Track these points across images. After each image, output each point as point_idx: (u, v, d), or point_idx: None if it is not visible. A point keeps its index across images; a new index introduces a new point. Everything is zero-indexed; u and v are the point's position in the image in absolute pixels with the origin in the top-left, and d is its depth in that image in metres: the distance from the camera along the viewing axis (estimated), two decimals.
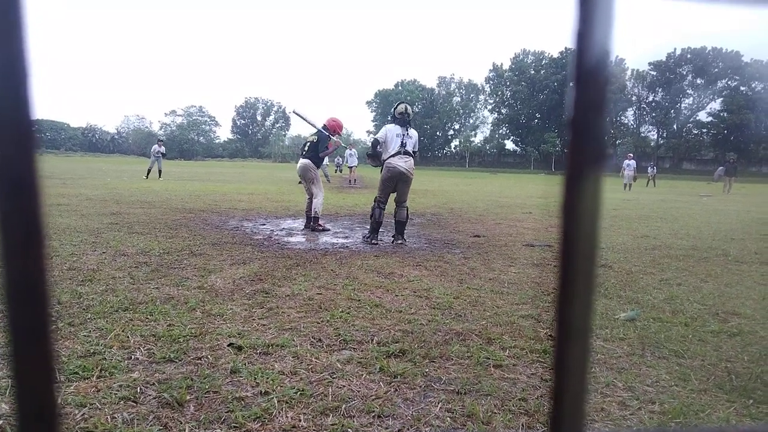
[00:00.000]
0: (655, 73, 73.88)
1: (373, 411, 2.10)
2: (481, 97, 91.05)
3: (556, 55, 79.63)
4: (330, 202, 11.61)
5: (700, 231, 8.58)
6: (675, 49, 73.46)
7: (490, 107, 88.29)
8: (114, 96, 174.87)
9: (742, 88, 67.98)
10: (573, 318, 0.32)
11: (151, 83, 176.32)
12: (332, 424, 1.99)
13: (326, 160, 8.84)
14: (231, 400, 2.14)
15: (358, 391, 2.28)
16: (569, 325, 0.32)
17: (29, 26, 0.27)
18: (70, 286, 3.75)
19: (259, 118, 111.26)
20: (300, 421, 2.00)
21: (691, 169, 67.37)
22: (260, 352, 2.68)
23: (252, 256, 5.17)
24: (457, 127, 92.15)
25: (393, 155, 6.27)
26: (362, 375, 2.46)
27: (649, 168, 31.84)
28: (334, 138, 7.58)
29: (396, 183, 6.37)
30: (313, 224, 7.29)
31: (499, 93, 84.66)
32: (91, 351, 2.58)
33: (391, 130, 6.35)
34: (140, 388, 2.21)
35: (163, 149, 20.45)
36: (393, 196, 6.50)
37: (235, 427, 1.95)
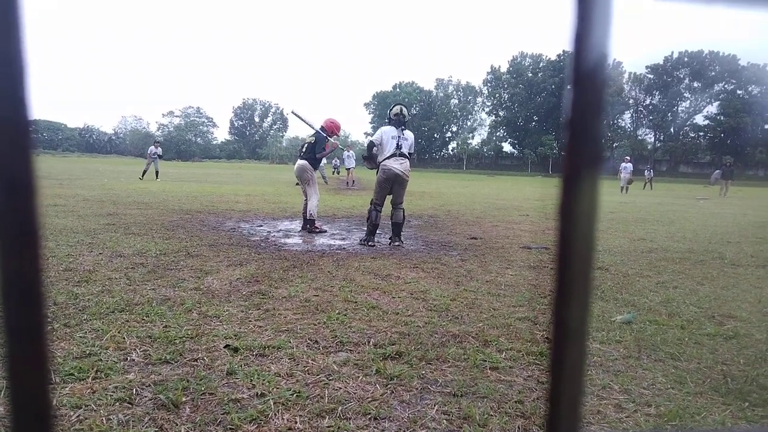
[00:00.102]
0: (652, 77, 74.09)
1: (370, 413, 2.10)
2: (479, 99, 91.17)
3: (553, 57, 79.80)
4: (327, 203, 11.60)
5: (696, 234, 8.61)
6: (672, 52, 73.76)
7: (487, 110, 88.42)
8: (111, 96, 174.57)
9: (738, 92, 68.22)
10: (570, 320, 0.32)
11: (149, 84, 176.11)
12: (328, 427, 1.98)
13: (323, 161, 8.82)
14: (227, 402, 2.13)
15: (355, 393, 2.28)
16: (566, 327, 0.32)
17: (27, 25, 0.27)
18: (66, 286, 3.74)
19: (256, 119, 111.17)
20: (296, 423, 2.00)
21: (688, 172, 67.62)
22: (256, 354, 2.68)
23: (249, 258, 5.17)
24: (454, 129, 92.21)
25: (388, 157, 6.28)
26: (359, 377, 2.45)
27: (646, 171, 31.91)
28: (332, 139, 7.58)
29: (392, 185, 6.38)
30: (309, 226, 7.29)
31: (497, 95, 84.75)
32: (87, 352, 2.57)
33: (387, 132, 6.36)
34: (136, 390, 2.20)
35: (159, 151, 20.41)
36: (389, 198, 6.51)
37: (230, 429, 1.95)
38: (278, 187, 18.69)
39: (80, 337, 2.77)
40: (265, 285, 4.08)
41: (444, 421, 2.08)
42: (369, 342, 2.92)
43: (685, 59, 72.10)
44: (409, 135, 6.45)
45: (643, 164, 51.34)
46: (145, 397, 2.16)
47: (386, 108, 6.92)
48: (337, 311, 3.45)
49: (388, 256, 5.63)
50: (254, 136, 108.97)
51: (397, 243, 6.39)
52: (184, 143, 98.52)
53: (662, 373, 2.63)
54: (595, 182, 0.32)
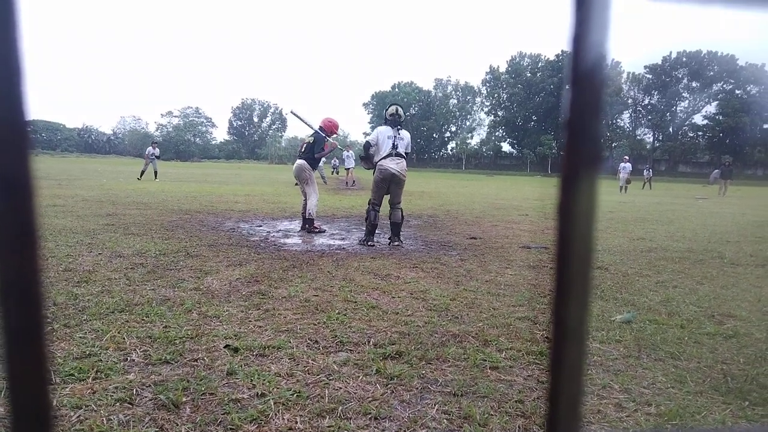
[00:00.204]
0: (650, 76, 74.16)
1: (370, 413, 2.10)
2: (478, 99, 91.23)
3: (552, 57, 79.84)
4: (327, 203, 11.60)
5: (695, 233, 8.61)
6: (671, 52, 73.85)
7: (486, 110, 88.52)
8: (110, 97, 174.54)
9: (737, 92, 68.31)
10: (569, 319, 0.32)
11: (148, 84, 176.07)
12: (329, 426, 1.98)
13: (322, 161, 8.82)
14: (227, 402, 2.13)
15: (355, 393, 2.28)
16: (565, 327, 0.32)
17: (24, 25, 0.27)
18: (65, 287, 3.74)
19: (255, 119, 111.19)
20: (296, 423, 2.00)
21: (687, 172, 67.66)
22: (256, 354, 2.67)
23: (248, 258, 5.16)
24: (453, 129, 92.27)
25: (385, 157, 6.29)
26: (359, 377, 2.45)
27: (645, 170, 31.91)
28: (330, 139, 7.57)
29: (389, 184, 6.38)
30: (308, 226, 7.29)
31: (496, 95, 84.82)
32: (87, 352, 2.57)
33: (383, 132, 6.37)
34: (136, 390, 2.20)
35: (157, 151, 20.42)
36: (388, 198, 6.51)
37: (231, 429, 1.94)
38: (277, 187, 18.69)
39: (80, 337, 2.77)
40: (264, 285, 4.08)
41: (444, 420, 2.08)
42: (369, 342, 2.92)
43: (684, 59, 72.17)
44: (405, 135, 6.45)
45: (642, 164, 51.38)
46: (146, 397, 2.16)
47: (385, 108, 6.93)
48: (336, 311, 3.45)
49: (387, 256, 5.63)
50: (253, 136, 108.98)
51: (396, 243, 6.39)
52: (183, 143, 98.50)
53: (662, 373, 2.63)
54: (593, 182, 0.32)
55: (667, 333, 3.26)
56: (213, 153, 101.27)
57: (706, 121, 70.44)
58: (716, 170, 27.58)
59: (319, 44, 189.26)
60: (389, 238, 6.54)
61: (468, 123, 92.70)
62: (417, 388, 2.35)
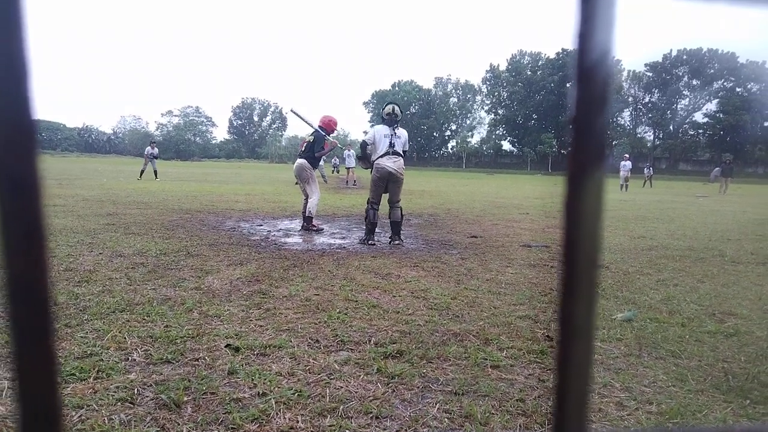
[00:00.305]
0: (651, 74, 74.08)
1: (371, 412, 2.10)
2: (478, 97, 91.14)
3: (552, 56, 79.77)
4: (327, 202, 11.60)
5: (696, 232, 8.61)
6: (671, 50, 73.71)
7: (486, 108, 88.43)
8: (110, 96, 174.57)
9: (737, 89, 68.22)
10: (576, 317, 0.32)
11: (148, 83, 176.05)
12: (330, 426, 1.98)
13: (323, 160, 8.80)
14: (228, 402, 2.13)
15: (356, 392, 2.28)
16: (573, 325, 0.32)
17: (28, 25, 0.27)
18: (66, 287, 3.74)
19: (255, 118, 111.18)
20: (297, 422, 2.00)
21: (688, 170, 67.59)
22: (257, 353, 2.68)
23: (249, 257, 5.17)
24: (454, 127, 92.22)
25: (382, 156, 6.29)
26: (360, 376, 2.45)
27: (646, 169, 31.88)
28: (330, 138, 7.57)
29: (386, 183, 6.38)
30: (306, 224, 7.28)
31: (496, 94, 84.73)
32: (88, 352, 2.57)
33: (379, 131, 6.38)
34: (137, 390, 2.20)
35: (156, 151, 20.44)
36: (386, 197, 6.51)
37: (232, 428, 1.95)
38: (278, 186, 18.69)
39: (81, 337, 2.77)
40: (265, 284, 4.08)
41: (445, 419, 2.08)
42: (370, 341, 2.92)
43: (684, 57, 72.06)
44: (402, 133, 6.45)
45: (642, 162, 51.33)
46: (147, 396, 2.16)
47: (382, 107, 6.93)
48: (337, 310, 3.45)
49: (388, 255, 5.63)
50: (253, 136, 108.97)
51: (397, 242, 6.39)
52: (183, 143, 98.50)
53: (663, 371, 2.63)
54: (600, 180, 0.31)
55: (668, 331, 3.26)
56: (213, 152, 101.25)
57: (706, 119, 70.37)
58: (717, 168, 27.56)
59: (319, 43, 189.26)
60: (390, 237, 6.54)
61: (468, 121, 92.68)
62: (418, 387, 2.36)
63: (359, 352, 2.76)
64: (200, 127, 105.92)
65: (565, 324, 0.32)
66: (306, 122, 7.62)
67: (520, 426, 2.05)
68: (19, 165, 0.27)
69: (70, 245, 5.31)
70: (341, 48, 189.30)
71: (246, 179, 24.07)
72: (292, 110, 7.86)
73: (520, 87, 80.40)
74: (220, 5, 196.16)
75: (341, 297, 3.80)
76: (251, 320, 3.20)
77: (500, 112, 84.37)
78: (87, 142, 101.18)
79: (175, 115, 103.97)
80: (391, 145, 6.30)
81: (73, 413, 1.98)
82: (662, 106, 74.10)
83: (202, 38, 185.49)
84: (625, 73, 74.94)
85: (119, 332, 2.86)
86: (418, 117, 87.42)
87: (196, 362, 2.53)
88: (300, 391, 2.25)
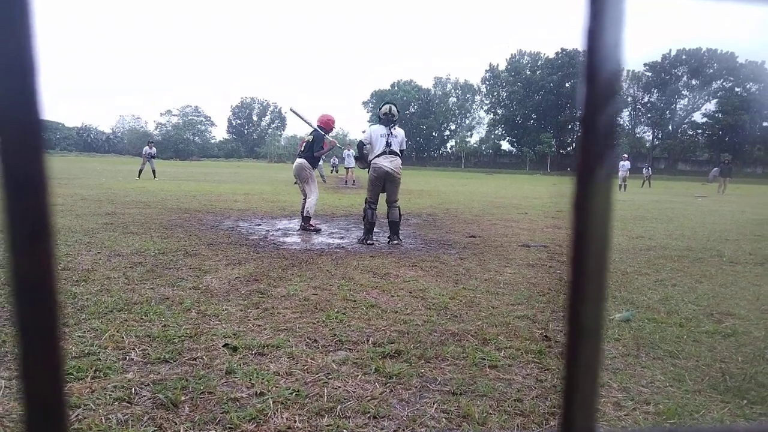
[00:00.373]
0: (650, 74, 74.13)
1: (369, 412, 2.10)
2: (477, 97, 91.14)
3: (552, 55, 79.80)
4: (326, 202, 11.60)
5: (694, 232, 8.62)
6: (670, 50, 73.78)
7: (486, 108, 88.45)
8: (109, 96, 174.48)
9: (736, 89, 68.30)
10: (584, 317, 0.32)
11: (147, 83, 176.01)
12: (327, 425, 1.98)
13: (322, 159, 8.79)
14: (226, 401, 2.13)
15: (354, 392, 2.28)
16: (581, 324, 0.32)
17: (36, 21, 0.27)
18: (64, 286, 3.73)
19: (254, 118, 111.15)
20: (295, 422, 2.00)
21: (686, 170, 67.65)
22: (255, 353, 2.67)
23: (247, 257, 5.16)
24: (453, 127, 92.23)
25: (378, 155, 6.31)
26: (358, 376, 2.45)
27: (645, 169, 31.90)
28: (329, 138, 7.56)
29: (384, 183, 6.39)
30: (304, 224, 7.27)
31: (495, 94, 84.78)
32: (86, 351, 2.57)
33: (376, 131, 6.40)
34: (135, 389, 2.20)
35: (153, 150, 20.46)
36: (385, 197, 6.51)
37: (230, 428, 1.94)
38: (276, 186, 18.69)
39: (79, 336, 2.77)
40: (263, 284, 4.08)
41: (443, 419, 2.08)
42: (368, 341, 2.92)
43: (683, 57, 72.13)
44: (398, 132, 6.46)
45: (641, 162, 51.37)
46: (144, 396, 2.16)
47: (379, 106, 6.96)
48: (336, 310, 3.45)
49: (386, 255, 5.63)
50: (252, 135, 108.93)
51: (395, 241, 6.39)
52: (182, 142, 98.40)
53: (661, 371, 2.64)
54: (609, 178, 0.31)
55: (665, 331, 3.26)
56: (212, 152, 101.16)
57: (705, 119, 70.46)
58: (715, 168, 27.59)
59: (318, 43, 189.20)
60: (388, 237, 6.54)
61: (467, 121, 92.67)
62: (416, 387, 2.36)
63: (357, 351, 2.76)
64: (199, 126, 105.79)
65: (574, 324, 0.32)
66: (305, 121, 7.61)
67: (517, 426, 2.05)
68: (25, 163, 0.27)
69: (69, 244, 5.31)
70: (340, 47, 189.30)
71: (245, 179, 24.06)
72: (291, 109, 7.85)
73: (519, 87, 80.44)
74: (219, 4, 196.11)
75: (339, 297, 3.80)
76: (249, 320, 3.20)
77: (499, 111, 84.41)
78: (86, 142, 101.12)
79: (174, 115, 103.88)
80: (388, 144, 6.31)
81: (71, 412, 1.98)
82: (661, 105, 74.20)
83: (201, 37, 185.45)
84: (624, 73, 74.75)
85: (117, 331, 2.86)
86: (418, 117, 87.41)
87: (194, 362, 2.53)
88: (298, 391, 2.25)
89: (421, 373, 2.51)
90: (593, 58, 0.30)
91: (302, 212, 7.42)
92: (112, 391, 2.17)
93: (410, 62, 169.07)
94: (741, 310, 3.83)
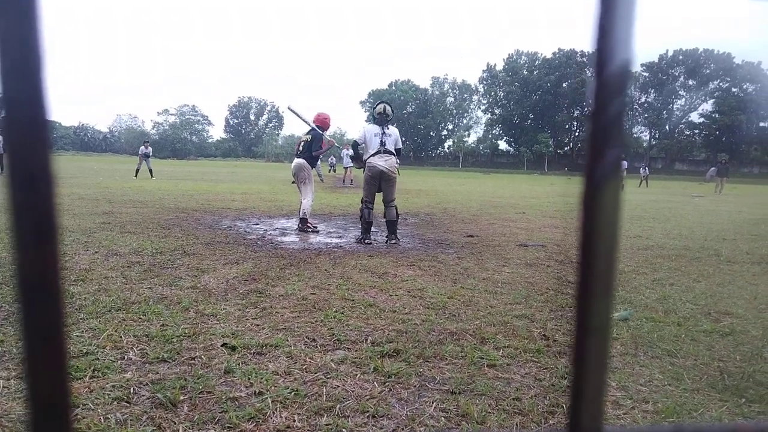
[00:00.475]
0: (647, 74, 74.31)
1: (368, 411, 2.10)
2: (475, 97, 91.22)
3: (549, 55, 79.91)
4: (324, 201, 11.60)
5: (692, 231, 8.64)
6: (667, 50, 74.01)
7: (483, 108, 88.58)
8: (107, 95, 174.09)
9: (733, 90, 68.54)
10: (592, 316, 0.32)
11: (145, 82, 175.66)
12: (326, 425, 1.98)
13: (320, 159, 8.77)
14: (225, 401, 2.13)
15: (353, 391, 2.28)
16: (589, 323, 0.32)
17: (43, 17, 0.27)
18: (63, 286, 3.72)
19: (252, 117, 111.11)
20: (294, 421, 2.00)
21: (683, 170, 67.85)
22: (254, 352, 2.67)
23: (245, 256, 5.16)
24: (450, 127, 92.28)
25: (373, 154, 6.32)
26: (356, 375, 2.45)
27: (642, 168, 31.97)
28: (328, 137, 7.54)
29: (379, 182, 6.39)
30: (301, 225, 7.24)
31: (493, 93, 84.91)
32: (84, 351, 2.56)
33: (369, 130, 6.42)
34: (133, 389, 2.20)
35: (149, 150, 20.44)
36: (382, 196, 6.51)
37: (228, 427, 1.94)
38: (274, 185, 18.67)
39: (77, 336, 2.76)
40: (261, 283, 4.07)
41: (442, 418, 2.08)
42: (366, 340, 2.92)
43: (680, 57, 72.34)
44: (393, 131, 6.47)
45: (638, 162, 51.46)
46: (143, 395, 2.15)
47: (373, 106, 6.98)
48: (334, 309, 3.45)
49: (384, 254, 5.63)
50: (250, 135, 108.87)
51: (393, 241, 6.39)
52: (179, 141, 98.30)
53: (659, 370, 2.64)
54: (618, 176, 0.31)
55: (663, 330, 3.26)
56: (209, 151, 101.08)
57: (702, 119, 70.67)
58: (712, 168, 27.70)
59: (316, 42, 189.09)
60: (386, 237, 6.54)
61: (465, 121, 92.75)
62: (415, 386, 2.36)
63: (356, 351, 2.76)
64: (196, 125, 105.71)
65: (582, 322, 0.32)
66: (303, 120, 7.59)
67: (516, 425, 2.05)
68: (31, 159, 0.27)
69: (66, 244, 5.29)
70: (339, 47, 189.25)
71: (242, 178, 24.03)
72: (289, 108, 7.83)
73: (517, 87, 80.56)
74: (217, 3, 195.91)
75: (338, 296, 3.80)
76: (247, 319, 3.19)
77: (497, 111, 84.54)
78: (83, 141, 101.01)
79: (172, 114, 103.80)
80: (382, 143, 6.32)
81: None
82: (658, 106, 74.38)
83: (199, 37, 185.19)
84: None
85: (115, 331, 2.85)
86: (415, 116, 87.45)
87: (193, 361, 2.53)
88: (296, 390, 2.24)
89: (420, 372, 2.51)
90: (603, 53, 0.30)
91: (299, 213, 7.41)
92: (111, 391, 2.16)
93: (408, 62, 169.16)
94: (738, 309, 3.84)
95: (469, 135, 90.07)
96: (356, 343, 2.86)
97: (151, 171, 20.01)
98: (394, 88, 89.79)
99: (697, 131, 72.09)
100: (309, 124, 7.47)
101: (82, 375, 2.29)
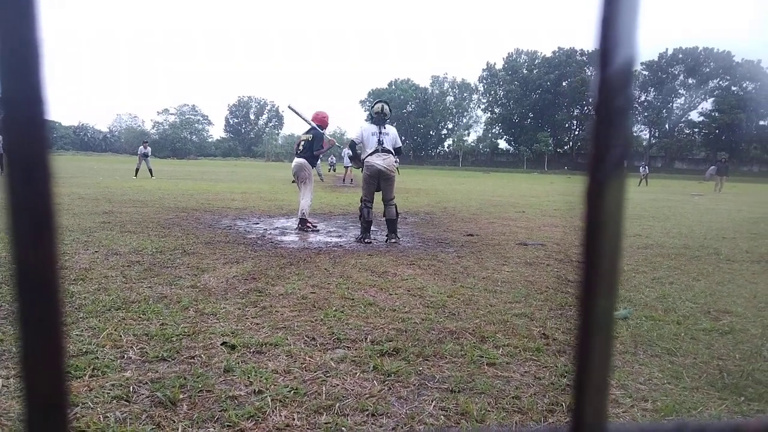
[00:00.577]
0: (647, 73, 74.28)
1: (367, 409, 2.10)
2: (475, 96, 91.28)
3: (549, 54, 79.89)
4: (324, 201, 11.60)
5: (691, 230, 8.64)
6: (667, 49, 73.98)
7: (483, 106, 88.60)
8: (106, 94, 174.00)
9: (733, 88, 68.53)
10: (596, 313, 0.32)
11: (144, 82, 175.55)
12: (326, 423, 1.98)
13: (319, 158, 8.76)
14: (224, 399, 2.13)
15: (352, 390, 2.28)
16: (592, 321, 0.32)
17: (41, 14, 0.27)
18: (62, 285, 3.72)
19: (252, 116, 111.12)
20: (293, 419, 2.00)
21: (683, 169, 67.87)
22: (254, 351, 2.67)
23: (245, 255, 5.16)
24: (450, 126, 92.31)
25: (371, 154, 6.31)
26: (356, 373, 2.45)
27: (641, 167, 31.95)
28: (328, 136, 7.53)
29: (378, 181, 6.39)
30: (301, 225, 7.23)
31: (492, 92, 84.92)
32: (84, 350, 2.56)
33: (367, 130, 6.41)
34: (133, 387, 2.20)
35: (148, 150, 20.45)
36: (382, 195, 6.51)
37: (228, 426, 1.94)
38: (274, 184, 18.67)
39: (77, 335, 2.76)
40: (261, 282, 4.07)
41: (441, 416, 2.08)
42: (366, 339, 2.92)
43: (680, 56, 72.32)
44: (390, 130, 6.47)
45: (638, 161, 51.44)
46: (143, 394, 2.15)
47: (371, 105, 6.99)
48: (334, 308, 3.45)
49: (384, 253, 5.63)
50: (249, 134, 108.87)
51: (393, 240, 6.39)
52: (179, 141, 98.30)
53: (659, 369, 2.64)
54: (622, 173, 0.31)
55: (663, 329, 3.27)
56: (209, 150, 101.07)
57: (702, 118, 70.68)
58: (712, 167, 27.69)
59: (316, 42, 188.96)
60: (386, 236, 6.54)
61: (465, 120, 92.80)
62: (414, 385, 2.36)
63: (355, 349, 2.76)
64: (196, 125, 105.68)
65: (585, 320, 0.32)
66: (303, 119, 7.58)
67: (516, 423, 2.05)
68: (30, 155, 0.27)
69: (66, 243, 5.29)
70: (338, 46, 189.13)
71: (242, 177, 24.03)
72: (289, 106, 7.82)
73: (517, 85, 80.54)
74: (217, 3, 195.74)
75: (337, 295, 3.80)
76: (247, 318, 3.19)
77: (496, 110, 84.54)
78: (82, 141, 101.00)
79: (171, 114, 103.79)
80: (380, 142, 6.31)
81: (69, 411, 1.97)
82: (658, 104, 74.36)
83: (199, 36, 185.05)
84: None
85: (115, 330, 2.85)
86: (415, 115, 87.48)
87: (192, 360, 2.53)
88: (296, 389, 2.24)
89: (420, 370, 2.51)
90: (607, 46, 0.30)
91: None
92: (111, 390, 2.16)
93: (408, 61, 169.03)
94: (738, 307, 3.84)
95: (468, 134, 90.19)
96: (356, 342, 2.86)
97: (151, 170, 20.02)
98: (394, 87, 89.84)
99: (696, 130, 72.12)
100: (309, 123, 7.46)
101: (82, 374, 2.30)
